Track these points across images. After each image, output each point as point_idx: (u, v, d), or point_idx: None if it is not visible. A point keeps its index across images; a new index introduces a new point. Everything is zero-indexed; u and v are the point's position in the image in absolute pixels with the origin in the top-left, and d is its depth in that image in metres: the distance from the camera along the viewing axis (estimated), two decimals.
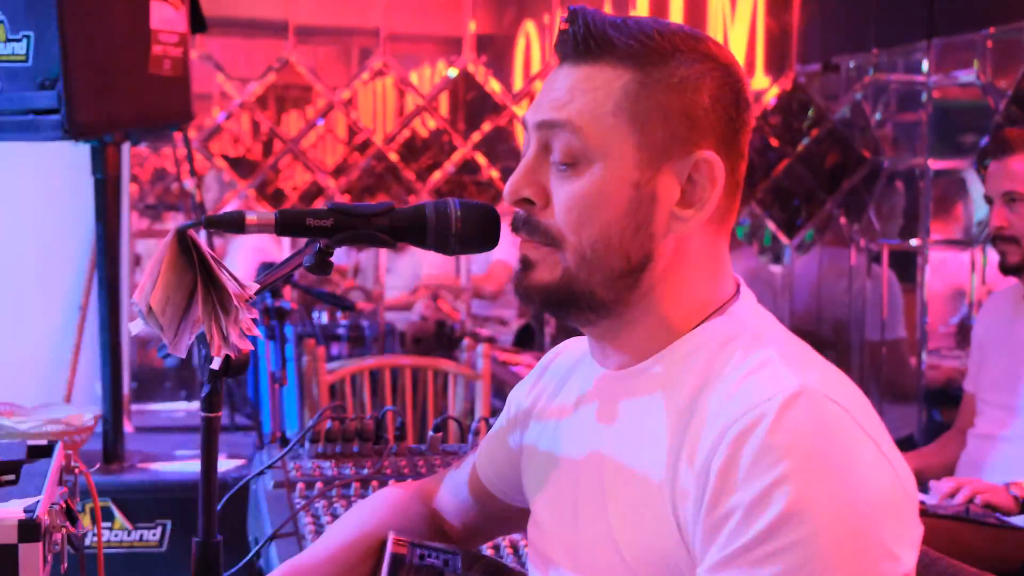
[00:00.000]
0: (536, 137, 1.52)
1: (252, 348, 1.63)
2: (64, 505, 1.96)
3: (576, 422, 1.62)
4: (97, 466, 2.27)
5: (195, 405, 5.14)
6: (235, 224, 1.54)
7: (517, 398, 1.80)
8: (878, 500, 1.33)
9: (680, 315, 1.50)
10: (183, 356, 1.62)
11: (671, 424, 1.44)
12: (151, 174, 6.15)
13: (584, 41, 1.48)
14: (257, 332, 1.61)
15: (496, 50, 6.12)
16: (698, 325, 1.50)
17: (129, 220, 4.44)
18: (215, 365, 1.70)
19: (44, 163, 4.12)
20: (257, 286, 1.62)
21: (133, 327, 1.58)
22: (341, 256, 6.58)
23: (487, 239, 1.58)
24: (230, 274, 1.57)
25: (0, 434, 3.39)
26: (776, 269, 5.96)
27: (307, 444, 2.81)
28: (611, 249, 1.47)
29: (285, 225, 1.55)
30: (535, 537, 1.69)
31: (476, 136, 5.75)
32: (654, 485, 1.43)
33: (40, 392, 4.06)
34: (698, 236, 1.50)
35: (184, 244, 1.53)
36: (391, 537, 1.67)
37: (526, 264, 1.53)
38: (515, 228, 1.54)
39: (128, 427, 4.21)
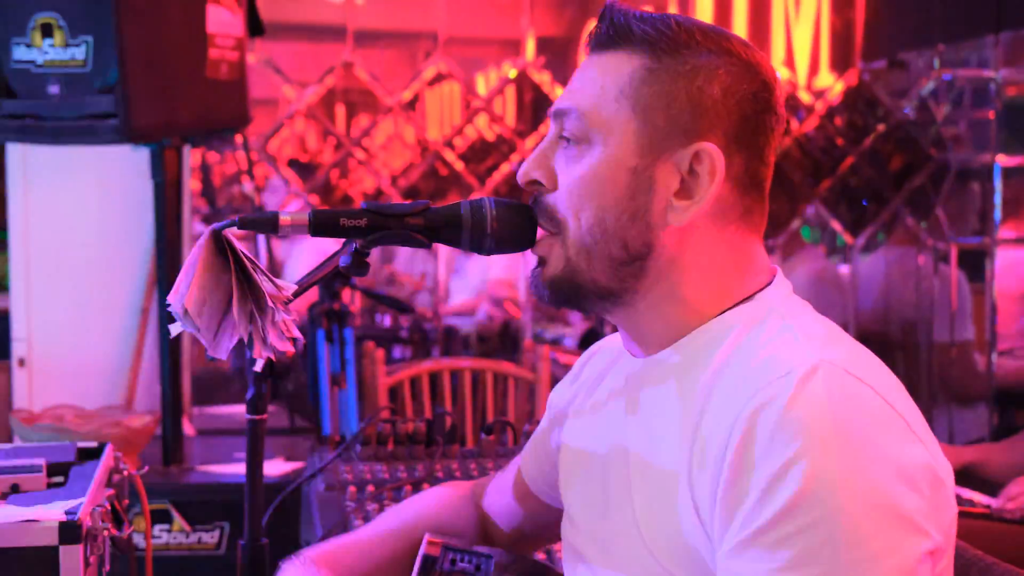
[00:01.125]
0: (553, 125, 1.54)
1: (293, 350, 1.62)
2: (109, 507, 1.96)
3: (606, 416, 1.62)
4: (146, 469, 2.27)
5: None
6: (269, 225, 1.53)
7: (556, 397, 1.80)
8: (903, 475, 1.29)
9: (701, 304, 1.48)
10: (223, 357, 1.61)
11: (689, 408, 1.42)
12: (221, 180, 6.19)
13: (606, 32, 1.50)
14: (296, 333, 1.59)
15: (558, 51, 6.10)
16: (724, 311, 1.48)
17: (191, 223, 4.46)
18: (258, 368, 1.70)
19: (106, 167, 4.16)
20: (294, 287, 1.61)
21: (172, 329, 1.57)
22: (407, 259, 6.59)
23: (523, 239, 1.56)
24: (266, 275, 1.56)
25: (61, 436, 3.42)
26: (843, 270, 5.89)
27: (360, 447, 2.81)
28: (607, 234, 1.47)
29: (319, 226, 1.53)
30: (568, 533, 1.68)
31: (534, 138, 5.73)
32: (672, 471, 1.42)
33: (102, 395, 4.09)
34: (709, 231, 1.47)
35: (220, 245, 1.52)
36: (426, 538, 1.66)
37: (540, 262, 1.55)
38: None
39: (189, 430, 4.23)
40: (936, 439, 1.40)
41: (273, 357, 1.62)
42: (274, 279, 1.57)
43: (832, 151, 5.84)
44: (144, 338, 4.17)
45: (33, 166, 4.17)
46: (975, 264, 5.54)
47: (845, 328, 1.52)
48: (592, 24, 1.54)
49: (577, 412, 1.71)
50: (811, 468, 1.27)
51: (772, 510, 1.28)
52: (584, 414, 1.68)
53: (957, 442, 5.35)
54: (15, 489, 2.00)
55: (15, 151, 4.18)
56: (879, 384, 1.35)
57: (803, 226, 5.83)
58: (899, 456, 1.30)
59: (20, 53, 3.39)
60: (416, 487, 2.61)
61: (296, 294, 1.60)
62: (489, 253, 1.58)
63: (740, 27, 5.65)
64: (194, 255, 1.52)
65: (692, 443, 1.39)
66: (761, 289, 1.50)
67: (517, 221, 1.56)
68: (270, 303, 1.54)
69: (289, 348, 1.59)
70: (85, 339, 4.20)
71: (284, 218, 1.52)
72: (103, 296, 4.22)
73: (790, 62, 5.76)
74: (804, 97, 5.79)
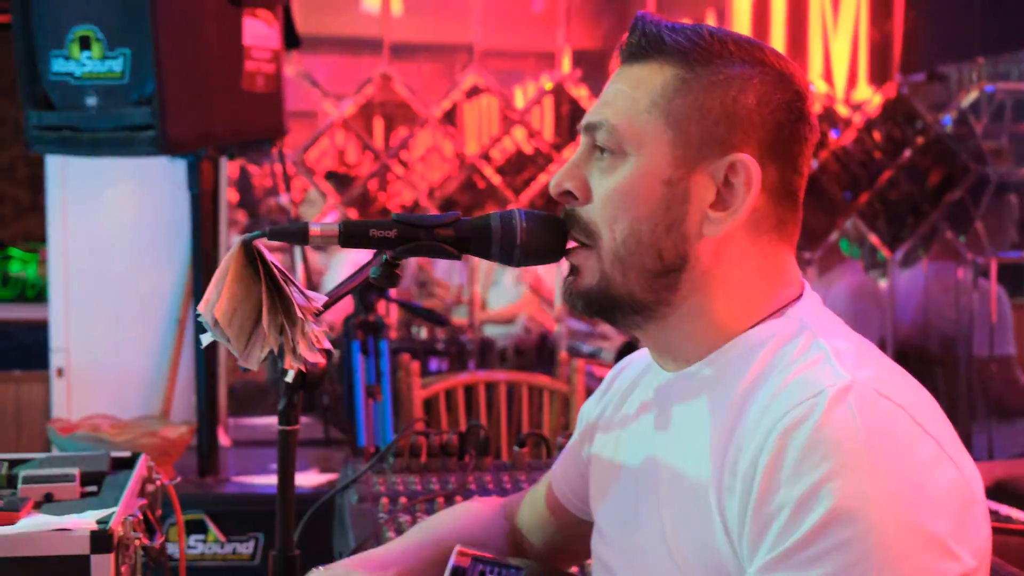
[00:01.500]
0: (585, 138, 1.53)
1: (323, 362, 1.62)
2: (141, 517, 1.97)
3: (636, 430, 1.61)
4: (179, 479, 2.28)
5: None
6: (299, 236, 1.53)
7: (586, 411, 1.79)
8: (935, 496, 1.28)
9: (731, 318, 1.47)
10: (254, 368, 1.61)
11: (720, 423, 1.41)
12: (260, 191, 6.22)
13: (638, 43, 1.49)
14: (327, 344, 1.60)
15: (594, 64, 6.10)
16: (753, 326, 1.47)
17: (228, 234, 4.48)
18: (289, 379, 1.70)
19: (143, 178, 4.19)
20: (324, 298, 1.61)
21: (203, 339, 1.57)
22: (444, 271, 6.60)
23: (553, 251, 1.56)
24: (297, 286, 1.56)
25: (97, 446, 3.44)
26: (882, 284, 5.86)
27: (393, 459, 2.80)
28: (642, 246, 1.45)
29: (349, 237, 1.53)
30: (598, 547, 1.67)
31: (571, 151, 5.73)
32: (702, 486, 1.41)
33: (139, 405, 4.12)
34: (744, 242, 1.46)
35: (250, 256, 1.52)
36: (456, 549, 1.66)
37: (573, 270, 1.53)
38: None
39: (225, 440, 4.25)
40: (970, 457, 1.39)
41: (304, 368, 1.62)
42: (304, 290, 1.57)
43: (870, 164, 5.81)
44: (180, 349, 4.20)
45: (71, 177, 4.20)
46: (1015, 278, 5.50)
47: (883, 343, 1.51)
48: (627, 36, 1.53)
49: (607, 425, 1.70)
50: (843, 488, 1.26)
51: (804, 529, 1.27)
52: (614, 427, 1.68)
53: (997, 457, 5.30)
54: (48, 498, 2.01)
55: (54, 162, 4.22)
56: (910, 404, 1.34)
57: (842, 239, 5.80)
58: (930, 478, 1.29)
59: (59, 65, 3.42)
60: (449, 500, 2.60)
61: (326, 305, 1.60)
62: (519, 265, 1.57)
63: (778, 40, 5.63)
64: (224, 265, 1.52)
65: (722, 459, 1.38)
66: (791, 303, 1.49)
67: (547, 233, 1.55)
68: (300, 314, 1.54)
69: (320, 360, 1.59)
70: (122, 350, 4.23)
71: (314, 229, 1.52)
72: (140, 307, 4.25)
73: (828, 75, 5.74)
74: (842, 110, 5.77)
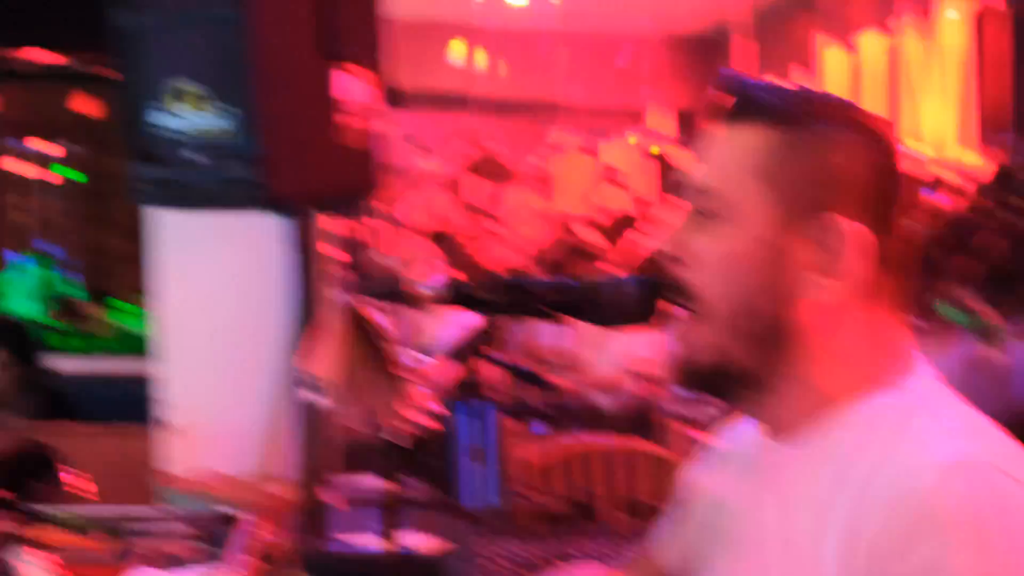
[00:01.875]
0: (685, 200, 1.51)
1: (429, 423, 1.62)
2: (246, 574, 1.98)
3: (742, 500, 1.57)
4: (285, 536, 2.29)
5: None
6: (404, 295, 1.53)
7: (689, 477, 1.76)
8: None
9: (836, 386, 1.44)
10: (358, 428, 1.62)
11: (831, 496, 1.38)
12: (359, 247, 6.28)
13: (734, 104, 1.48)
14: (433, 406, 1.60)
15: (690, 123, 6.10)
16: (864, 398, 1.43)
17: (328, 290, 4.51)
18: (395, 439, 1.71)
19: (245, 232, 4.22)
20: (431, 360, 1.61)
21: (308, 397, 1.59)
22: (551, 334, 6.60)
23: (648, 313, 1.54)
24: (402, 347, 1.57)
25: (204, 502, 3.46)
26: (996, 356, 5.74)
27: (498, 523, 2.79)
28: (746, 312, 1.43)
29: (454, 298, 1.53)
30: None
31: (666, 211, 5.73)
32: (812, 560, 1.38)
33: (244, 461, 4.13)
34: (846, 307, 1.43)
35: (354, 315, 1.53)
36: None
37: (681, 345, 1.50)
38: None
39: (330, 499, 4.25)
40: None
41: (409, 430, 1.63)
42: (410, 351, 1.58)
43: (979, 230, 5.72)
44: (286, 406, 4.21)
45: (175, 231, 4.25)
46: None
47: (999, 418, 1.47)
48: (718, 95, 1.52)
49: (710, 492, 1.68)
50: (958, 565, 1.24)
51: None
52: (716, 496, 1.65)
53: None
54: (154, 553, 2.02)
55: (157, 216, 4.27)
56: None
57: (952, 309, 5.70)
58: None
59: (159, 119, 3.47)
60: (552, 565, 2.58)
61: (432, 367, 1.61)
62: (618, 328, 1.56)
63: (877, 101, 5.58)
64: (329, 325, 1.53)
65: (831, 533, 1.36)
66: (903, 374, 1.45)
67: (646, 297, 1.54)
68: (406, 375, 1.54)
69: (424, 421, 1.59)
70: (228, 405, 4.25)
71: (419, 289, 1.53)
72: (244, 362, 4.27)
73: (932, 138, 5.68)
74: (947, 175, 5.69)
